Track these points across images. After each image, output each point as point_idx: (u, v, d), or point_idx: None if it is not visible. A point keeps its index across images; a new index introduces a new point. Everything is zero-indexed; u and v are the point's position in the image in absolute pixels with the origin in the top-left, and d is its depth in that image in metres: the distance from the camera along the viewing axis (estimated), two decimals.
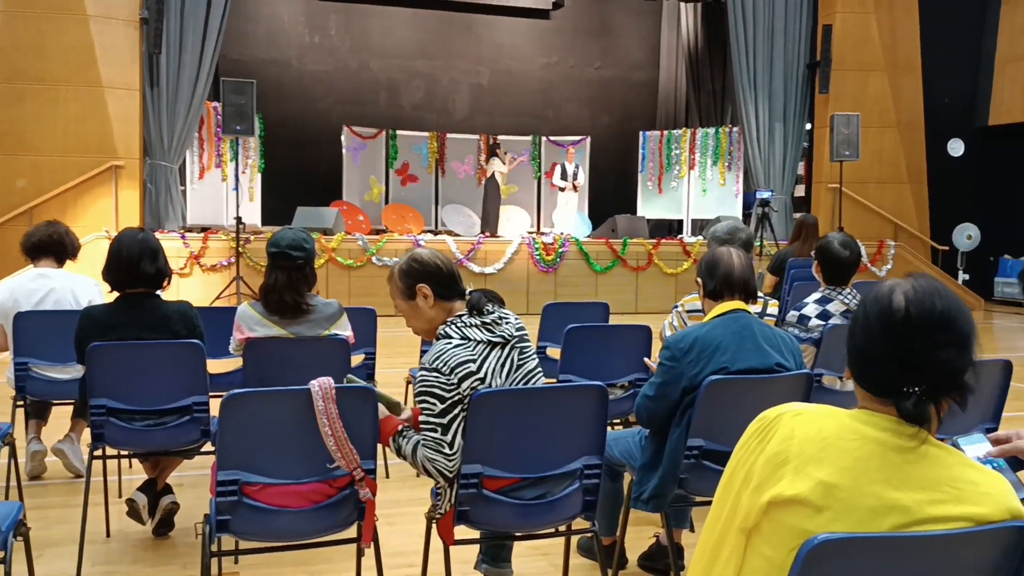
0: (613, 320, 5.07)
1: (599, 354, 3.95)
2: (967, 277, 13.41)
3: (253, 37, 15.40)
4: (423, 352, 4.79)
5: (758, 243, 11.06)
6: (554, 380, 3.96)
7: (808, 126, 13.58)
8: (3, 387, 4.90)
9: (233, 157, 11.84)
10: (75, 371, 4.03)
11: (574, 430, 2.58)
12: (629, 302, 11.74)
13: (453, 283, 2.63)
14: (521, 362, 2.60)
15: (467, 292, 2.65)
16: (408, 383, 4.94)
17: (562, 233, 12.26)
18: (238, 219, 10.23)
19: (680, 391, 2.86)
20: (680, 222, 14.67)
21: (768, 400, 2.73)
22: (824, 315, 3.98)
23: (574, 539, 3.40)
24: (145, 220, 10.78)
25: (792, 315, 4.06)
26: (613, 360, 3.99)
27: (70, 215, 10.02)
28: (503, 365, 2.54)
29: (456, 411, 2.44)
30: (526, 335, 2.66)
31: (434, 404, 2.44)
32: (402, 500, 4.16)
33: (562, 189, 13.35)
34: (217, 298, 10.08)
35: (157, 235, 4.10)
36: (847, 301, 3.95)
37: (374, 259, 11.02)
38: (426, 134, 14.71)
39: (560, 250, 11.69)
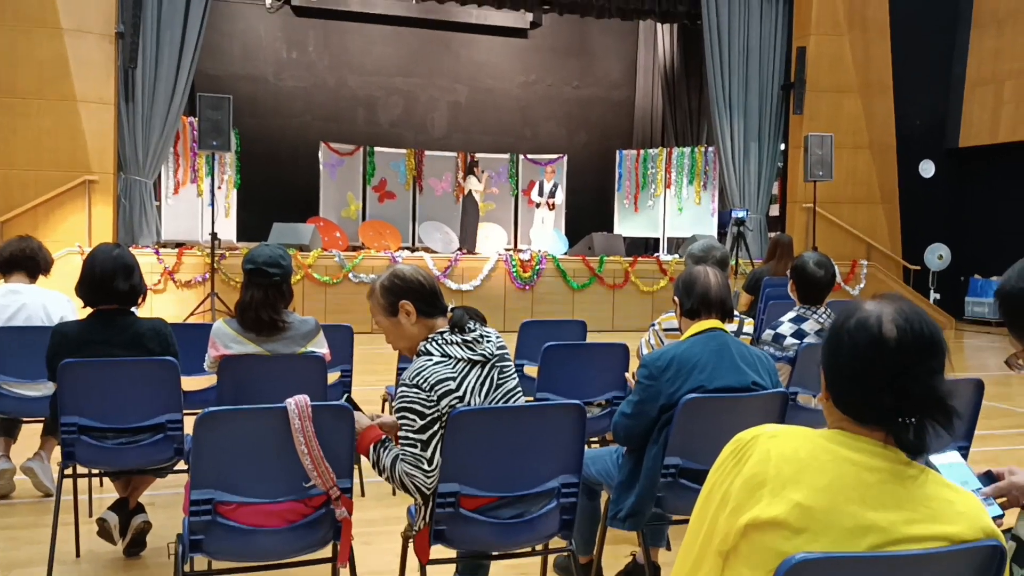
0: (590, 338, 5.08)
1: (576, 372, 3.95)
2: (938, 296, 13.57)
3: (230, 52, 15.37)
4: (400, 370, 4.77)
5: (733, 262, 11.13)
6: (531, 398, 3.96)
7: (783, 146, 13.73)
8: None
9: (209, 172, 11.78)
10: (46, 388, 3.97)
11: (552, 449, 2.58)
12: (606, 319, 11.77)
13: (435, 300, 2.62)
14: (501, 381, 2.60)
15: (449, 309, 2.64)
16: (385, 401, 4.92)
17: (539, 250, 12.29)
18: (213, 235, 10.16)
19: (658, 409, 2.87)
20: (656, 240, 14.76)
21: (744, 419, 2.75)
22: (799, 334, 4.01)
23: (551, 558, 3.40)
24: (119, 235, 10.68)
25: (767, 334, 4.09)
26: (591, 378, 4.00)
27: (42, 230, 9.91)
28: (483, 384, 2.53)
29: (435, 428, 2.43)
30: (507, 354, 2.66)
31: (414, 420, 2.43)
32: (378, 519, 4.13)
33: (538, 205, 13.39)
34: (191, 314, 9.99)
35: (131, 250, 4.05)
36: (821, 320, 3.99)
37: (351, 276, 10.98)
38: (404, 151, 14.71)
39: (537, 267, 11.71)
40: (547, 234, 13.32)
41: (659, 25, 15.91)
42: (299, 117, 15.73)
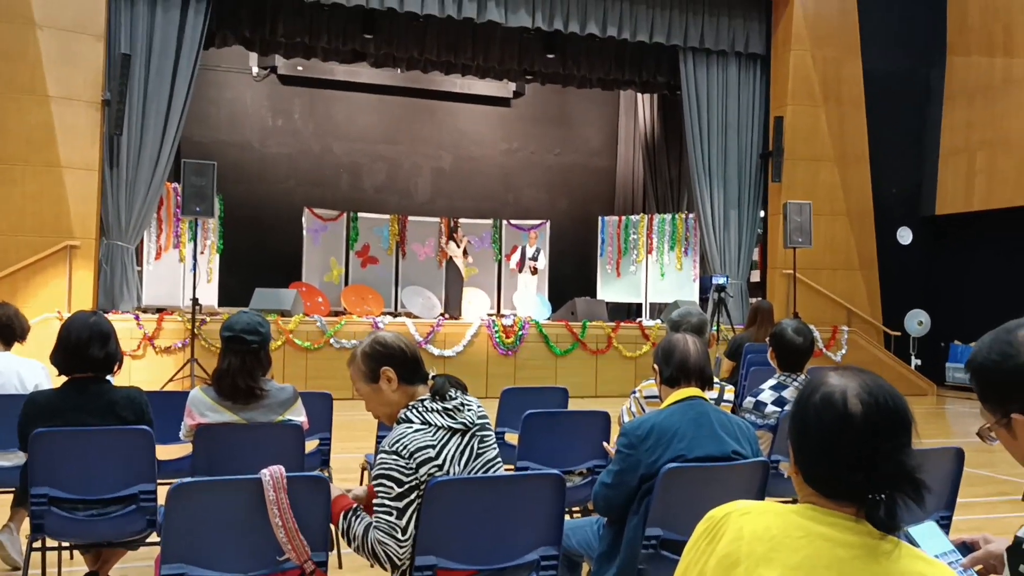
0: (573, 403, 5.05)
1: (557, 440, 3.92)
2: (919, 362, 13.64)
3: (216, 119, 15.53)
4: (380, 437, 4.72)
5: (715, 328, 11.18)
6: (512, 467, 3.92)
7: (762, 213, 13.91)
8: None
9: (192, 238, 11.79)
10: (17, 458, 3.89)
11: (531, 520, 2.54)
12: (589, 385, 11.73)
13: (417, 367, 2.61)
14: (481, 451, 2.57)
15: (430, 377, 2.63)
16: (364, 469, 4.85)
17: (522, 316, 12.30)
18: (194, 300, 10.12)
19: (638, 479, 2.84)
20: (639, 305, 14.82)
21: (726, 488, 2.74)
22: (780, 401, 4.01)
23: None
24: (99, 300, 10.62)
25: (748, 401, 4.09)
26: (571, 446, 3.97)
27: (22, 295, 9.84)
28: (462, 453, 2.51)
29: (412, 496, 2.39)
30: (488, 423, 2.64)
31: (391, 487, 2.40)
32: None
33: (520, 270, 13.45)
34: (170, 381, 9.88)
35: (111, 316, 4.03)
36: (805, 391, 3.98)
37: (332, 341, 10.92)
38: (387, 216, 14.81)
39: (520, 333, 11.71)
40: (530, 299, 13.35)
41: (639, 95, 16.23)
42: (283, 183, 15.85)
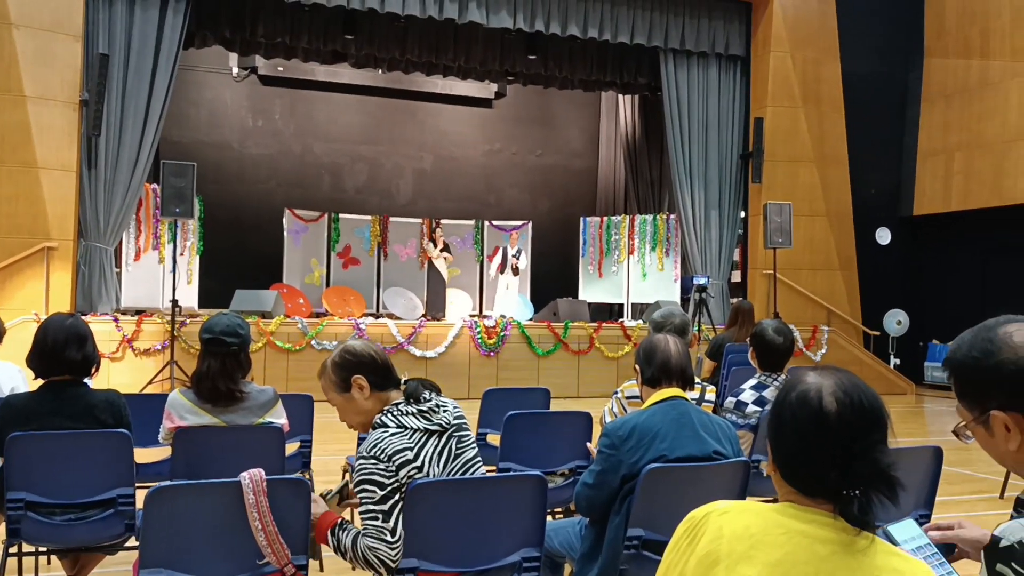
0: (555, 404, 5.05)
1: (539, 441, 3.92)
2: (898, 362, 13.75)
3: (195, 120, 15.44)
4: (361, 439, 4.70)
5: (696, 328, 11.21)
6: (494, 468, 3.91)
7: (743, 214, 13.98)
8: None
9: (171, 239, 11.70)
10: None
11: (513, 521, 2.54)
12: (571, 386, 11.75)
13: (388, 373, 2.60)
14: (460, 451, 2.57)
15: (403, 382, 2.63)
16: (345, 471, 4.83)
17: (504, 316, 12.30)
18: (174, 302, 10.04)
19: (619, 479, 2.84)
20: (621, 306, 14.85)
21: (707, 488, 2.74)
22: (760, 401, 4.03)
23: None
24: (76, 303, 10.52)
25: (729, 401, 4.10)
26: (553, 447, 3.97)
27: None
28: (440, 454, 2.50)
29: (396, 498, 2.39)
30: (465, 423, 2.64)
31: (374, 492, 2.39)
32: None
33: (502, 271, 13.43)
34: (149, 383, 9.81)
35: (89, 318, 3.98)
36: (784, 392, 4.00)
37: (313, 343, 10.87)
38: (369, 217, 14.77)
39: (502, 334, 11.70)
40: (512, 300, 13.35)
41: (620, 96, 16.27)
42: (264, 184, 15.77)
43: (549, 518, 3.78)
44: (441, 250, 13.09)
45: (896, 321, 13.85)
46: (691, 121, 13.54)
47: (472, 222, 15.31)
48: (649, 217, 14.72)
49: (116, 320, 10.30)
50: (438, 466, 2.48)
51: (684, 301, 13.42)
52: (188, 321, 10.40)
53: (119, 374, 9.95)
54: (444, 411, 2.56)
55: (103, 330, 9.77)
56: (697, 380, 3.95)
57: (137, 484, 3.28)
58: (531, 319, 12.77)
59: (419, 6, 11.79)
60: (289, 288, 12.82)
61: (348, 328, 11.06)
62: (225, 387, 3.31)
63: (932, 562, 1.68)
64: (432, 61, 13.48)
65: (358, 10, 11.81)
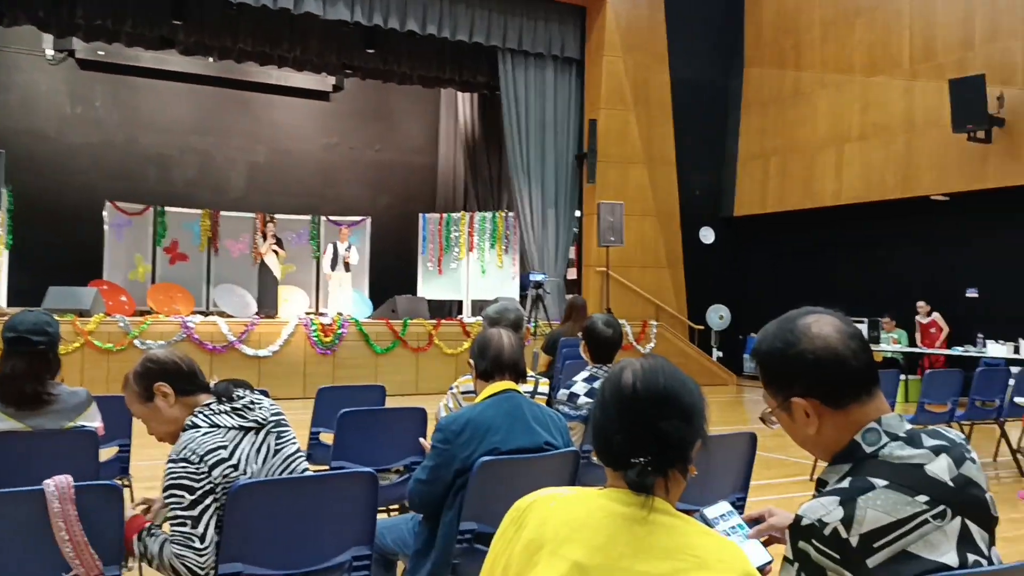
0: (393, 401, 5.01)
1: (373, 438, 3.87)
2: (721, 354, 14.52)
3: (5, 105, 14.30)
4: None
5: (533, 324, 11.43)
6: (327, 467, 3.84)
7: (578, 213, 14.35)
8: None
9: None
10: None
11: (342, 520, 2.49)
12: (410, 383, 11.70)
13: (194, 377, 2.50)
14: (280, 447, 2.50)
15: (211, 384, 2.53)
16: None
17: (341, 314, 12.08)
18: None
19: (453, 473, 2.85)
20: (460, 303, 14.92)
21: (538, 479, 2.79)
22: (592, 393, 4.14)
23: None
24: None
25: (562, 393, 4.20)
26: (388, 444, 3.93)
27: None
28: (258, 451, 2.42)
29: (208, 501, 2.28)
30: (284, 419, 2.56)
31: (183, 496, 2.28)
32: None
33: (332, 268, 13.08)
34: None
35: None
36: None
37: (137, 342, 10.31)
38: (198, 211, 14.15)
39: (339, 331, 11.50)
40: (346, 297, 13.11)
41: (460, 94, 16.33)
42: (83, 175, 14.78)
43: (383, 516, 3.75)
44: (271, 245, 12.62)
45: (719, 316, 14.63)
46: (529, 121, 13.76)
47: (308, 217, 14.97)
48: (488, 214, 14.87)
49: None
50: (256, 463, 2.40)
51: (523, 298, 13.65)
52: None
53: None
54: (259, 407, 2.48)
55: None
56: (531, 373, 4.02)
57: None
58: (369, 316, 12.62)
59: None
60: (110, 285, 12.10)
61: (175, 327, 10.57)
62: (32, 390, 3.08)
63: (746, 543, 1.77)
64: (266, 51, 13.07)
65: None
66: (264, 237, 12.79)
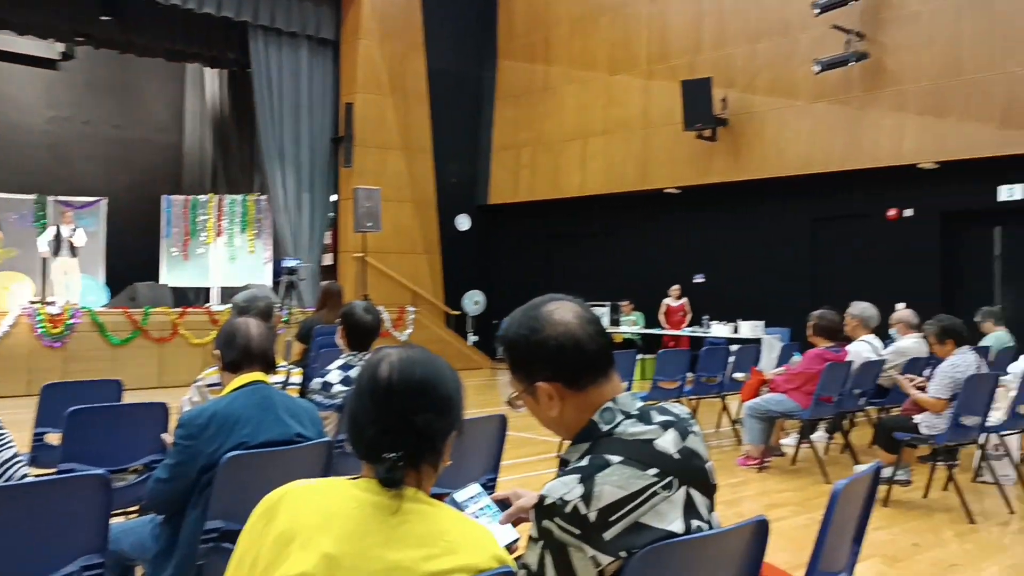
0: (134, 397, 4.67)
1: (108, 437, 3.59)
2: (476, 339, 14.89)
3: None
4: None
5: (286, 311, 11.13)
6: (54, 470, 3.52)
7: (334, 198, 14.12)
8: None
9: None
10: None
11: (69, 527, 2.29)
12: (152, 376, 10.97)
13: None
14: None
15: None
16: None
17: (71, 303, 11.09)
18: None
19: (198, 470, 2.71)
20: (207, 290, 14.21)
21: (289, 471, 2.71)
22: (347, 381, 4.09)
23: None
24: None
25: (316, 382, 4.12)
26: (125, 442, 3.66)
27: None
28: None
29: None
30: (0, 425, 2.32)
31: None
32: None
33: (55, 254, 11.88)
34: None
35: None
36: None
37: None
38: None
39: (69, 322, 10.57)
40: (75, 284, 11.88)
41: (209, 70, 15.50)
42: None
43: (121, 519, 3.49)
44: None
45: (474, 302, 14.99)
46: (283, 101, 13.34)
47: (33, 197, 13.58)
48: (239, 198, 14.25)
49: None
50: None
51: (276, 284, 13.24)
52: None
53: None
54: None
55: None
56: (283, 363, 3.90)
57: None
58: (105, 305, 11.71)
59: None
60: None
61: None
62: None
63: (494, 524, 1.83)
64: None
65: None
66: None
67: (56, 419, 3.99)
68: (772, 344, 9.91)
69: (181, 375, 10.98)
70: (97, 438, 3.56)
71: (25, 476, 2.34)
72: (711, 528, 1.62)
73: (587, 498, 1.47)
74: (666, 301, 12.91)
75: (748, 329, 11.15)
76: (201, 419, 2.74)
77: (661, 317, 12.92)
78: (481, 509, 1.89)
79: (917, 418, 5.51)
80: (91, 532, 2.33)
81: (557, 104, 14.55)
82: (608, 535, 1.46)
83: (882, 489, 5.33)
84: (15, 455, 2.33)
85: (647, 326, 13.05)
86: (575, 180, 14.20)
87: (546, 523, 1.48)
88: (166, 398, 3.99)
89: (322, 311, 7.33)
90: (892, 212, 11.14)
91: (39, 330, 10.33)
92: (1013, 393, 5.71)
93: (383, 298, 12.90)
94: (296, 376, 4.06)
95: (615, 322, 12.82)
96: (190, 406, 3.83)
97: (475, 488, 1.95)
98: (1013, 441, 6.06)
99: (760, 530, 1.73)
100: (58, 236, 11.72)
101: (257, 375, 2.91)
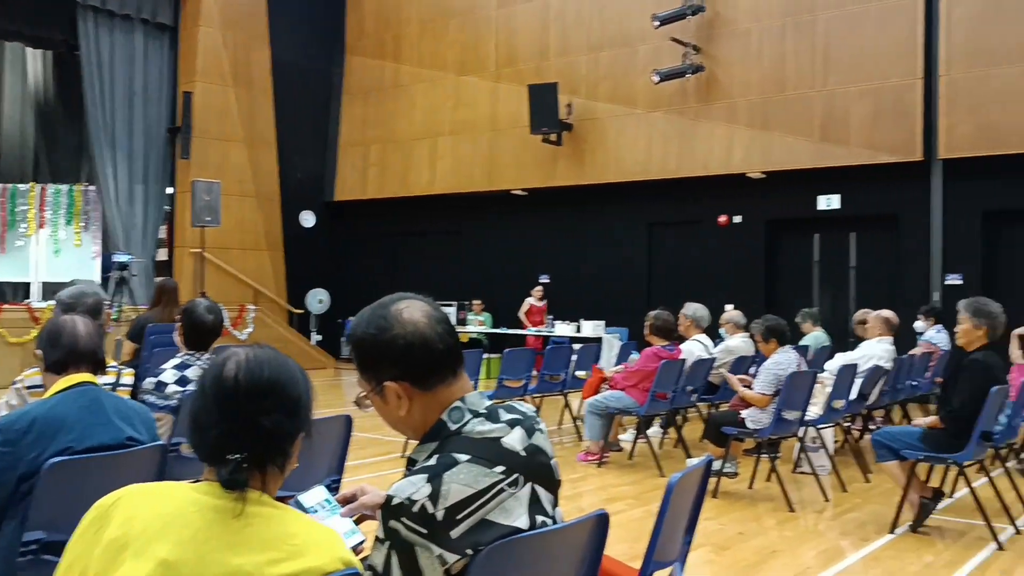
0: None
1: None
2: (320, 338, 14.61)
3: None
4: None
5: (117, 309, 10.56)
6: None
7: (170, 190, 13.50)
8: None
9: None
10: None
11: None
12: None
13: None
14: None
15: None
16: None
17: None
18: None
19: (16, 479, 2.54)
20: (28, 285, 13.25)
21: (120, 477, 2.58)
22: (183, 381, 3.94)
23: None
24: None
25: (149, 382, 3.94)
26: None
27: None
28: None
29: None
30: None
31: None
32: None
33: None
34: None
35: None
36: (205, 366, 3.96)
37: None
38: None
39: None
40: None
41: (31, 50, 14.47)
42: None
43: None
44: None
45: (318, 300, 14.70)
46: (115, 88, 12.65)
47: None
48: (64, 187, 13.37)
49: None
50: None
51: (105, 280, 12.51)
52: None
53: None
54: None
55: None
56: (113, 363, 3.71)
57: None
58: None
59: None
60: None
61: None
62: None
63: (340, 525, 1.80)
64: None
65: None
66: None
67: None
68: (612, 343, 10.25)
69: None
70: None
71: None
72: (555, 523, 1.66)
73: (435, 497, 1.48)
74: (529, 300, 13.09)
75: (590, 328, 11.47)
76: (21, 423, 2.57)
77: (522, 316, 13.08)
78: (327, 512, 1.87)
79: (744, 413, 5.85)
80: None
81: (407, 103, 14.49)
82: (455, 533, 1.48)
83: (712, 481, 5.62)
84: None
85: (494, 326, 13.20)
86: (424, 179, 14.18)
87: (393, 523, 1.48)
88: None
89: (156, 308, 6.99)
90: (723, 218, 11.75)
91: None
92: (829, 389, 6.17)
93: (222, 295, 12.43)
94: (127, 377, 3.86)
95: (462, 322, 12.90)
96: (7, 410, 3.57)
97: (321, 490, 1.92)
98: (828, 434, 6.54)
99: (601, 523, 1.80)
100: None
101: (85, 376, 2.75)
